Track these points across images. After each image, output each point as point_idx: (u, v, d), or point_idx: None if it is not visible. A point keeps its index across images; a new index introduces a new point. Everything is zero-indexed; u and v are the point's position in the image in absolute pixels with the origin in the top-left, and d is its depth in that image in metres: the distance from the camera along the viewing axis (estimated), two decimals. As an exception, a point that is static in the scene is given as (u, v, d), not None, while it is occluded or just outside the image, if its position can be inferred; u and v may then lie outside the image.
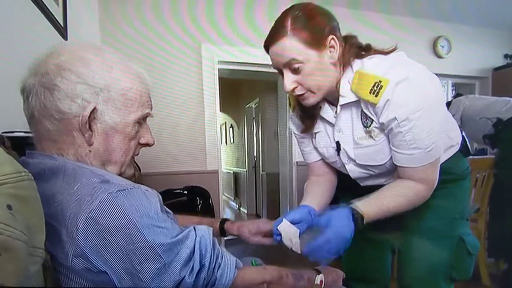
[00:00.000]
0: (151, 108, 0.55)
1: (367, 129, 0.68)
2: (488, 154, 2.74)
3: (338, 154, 0.76)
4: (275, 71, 0.71)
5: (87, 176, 0.44)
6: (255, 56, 2.22)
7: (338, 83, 0.68)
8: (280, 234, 0.70)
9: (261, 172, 3.81)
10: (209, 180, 2.17)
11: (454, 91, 3.12)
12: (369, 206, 0.66)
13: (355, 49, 0.68)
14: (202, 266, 0.48)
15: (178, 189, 1.89)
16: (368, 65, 0.65)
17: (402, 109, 0.61)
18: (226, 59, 2.24)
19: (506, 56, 2.97)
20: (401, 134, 0.63)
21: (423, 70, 0.66)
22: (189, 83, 2.17)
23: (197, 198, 1.87)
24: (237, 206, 4.69)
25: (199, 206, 1.86)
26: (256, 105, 3.93)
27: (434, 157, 0.66)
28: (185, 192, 1.88)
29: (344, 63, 0.67)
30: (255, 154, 4.06)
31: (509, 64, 2.89)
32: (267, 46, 0.68)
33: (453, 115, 2.11)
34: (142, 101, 0.52)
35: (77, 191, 0.42)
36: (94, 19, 1.91)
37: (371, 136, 0.69)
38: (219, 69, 2.25)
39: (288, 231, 0.69)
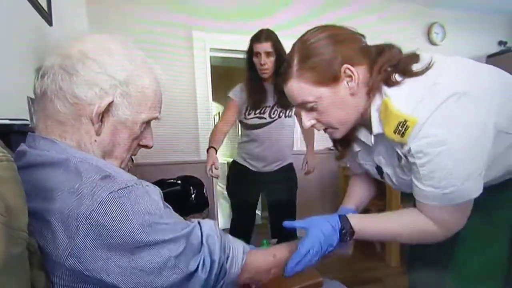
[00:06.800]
0: (160, 113, 0.55)
1: (400, 163, 0.60)
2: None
3: (382, 178, 0.69)
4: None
5: (87, 173, 0.43)
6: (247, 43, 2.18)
7: (368, 110, 0.59)
8: None
9: (256, 162, 3.80)
10: (202, 170, 2.15)
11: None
12: (367, 225, 0.61)
13: (385, 73, 0.56)
14: (212, 261, 0.49)
15: (171, 179, 1.89)
16: (395, 97, 0.54)
17: (420, 141, 0.52)
18: (218, 47, 2.20)
19: (500, 42, 2.97)
20: (415, 165, 0.55)
21: (471, 87, 0.51)
22: (181, 71, 2.13)
23: (191, 187, 1.87)
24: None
25: (193, 196, 1.86)
26: (250, 94, 3.87)
27: (453, 201, 0.54)
28: (179, 182, 1.87)
29: (371, 88, 0.57)
30: (250, 144, 4.04)
31: (503, 51, 2.88)
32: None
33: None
34: (155, 103, 0.52)
35: (78, 189, 0.41)
36: (81, 4, 1.84)
37: (404, 172, 0.61)
38: (211, 57, 2.21)
39: None
